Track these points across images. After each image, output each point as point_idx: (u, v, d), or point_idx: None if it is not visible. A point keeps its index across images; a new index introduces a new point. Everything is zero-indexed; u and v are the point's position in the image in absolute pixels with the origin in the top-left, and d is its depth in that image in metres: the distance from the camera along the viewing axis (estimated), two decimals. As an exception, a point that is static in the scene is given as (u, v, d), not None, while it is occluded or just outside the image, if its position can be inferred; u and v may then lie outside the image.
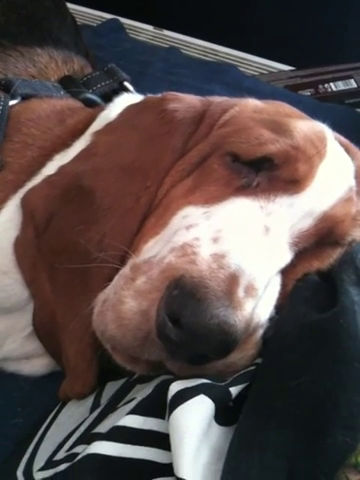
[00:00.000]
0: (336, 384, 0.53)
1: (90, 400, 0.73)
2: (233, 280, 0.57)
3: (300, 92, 1.64)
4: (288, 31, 1.81)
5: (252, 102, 0.82)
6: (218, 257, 0.58)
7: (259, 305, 0.60)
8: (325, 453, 0.49)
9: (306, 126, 0.72)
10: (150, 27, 1.90)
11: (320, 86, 1.66)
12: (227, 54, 1.80)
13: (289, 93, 1.59)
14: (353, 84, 1.67)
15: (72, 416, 0.73)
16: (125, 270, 0.65)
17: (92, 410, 0.70)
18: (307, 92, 1.65)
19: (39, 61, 1.02)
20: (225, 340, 0.55)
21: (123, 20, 1.86)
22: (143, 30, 1.89)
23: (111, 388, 0.72)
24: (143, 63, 1.59)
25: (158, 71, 1.57)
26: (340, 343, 0.55)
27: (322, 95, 1.64)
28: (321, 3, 1.77)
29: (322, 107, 1.51)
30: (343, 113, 1.50)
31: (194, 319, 0.54)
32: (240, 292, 0.57)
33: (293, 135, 0.70)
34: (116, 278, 0.66)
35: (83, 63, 1.09)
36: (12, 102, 0.89)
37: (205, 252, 0.59)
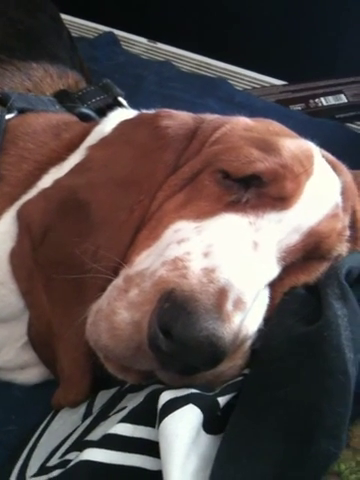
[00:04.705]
0: (321, 395, 0.54)
1: (83, 408, 0.73)
2: (222, 294, 0.59)
3: (291, 106, 1.65)
4: (280, 46, 1.82)
5: (243, 120, 0.83)
6: (208, 271, 0.60)
7: (247, 317, 0.62)
8: (310, 460, 0.51)
9: (294, 145, 0.74)
10: (144, 39, 1.90)
11: (311, 101, 1.67)
12: (219, 68, 1.81)
13: (280, 108, 1.60)
14: (343, 99, 1.68)
15: (65, 424, 0.74)
16: (118, 281, 0.66)
17: (84, 418, 0.71)
18: (298, 107, 1.65)
19: (34, 75, 1.03)
20: (214, 352, 0.56)
21: (117, 32, 1.87)
22: (137, 42, 1.89)
23: (103, 397, 0.73)
24: (137, 77, 1.60)
25: (152, 85, 1.58)
26: (325, 355, 0.56)
27: (313, 110, 1.64)
28: (313, 18, 1.79)
29: (312, 122, 1.52)
30: (333, 128, 1.52)
31: (184, 331, 0.55)
32: (229, 305, 0.58)
33: (281, 154, 0.71)
34: (109, 289, 0.67)
35: (78, 78, 1.10)
36: (8, 116, 0.90)
37: (196, 266, 0.61)
